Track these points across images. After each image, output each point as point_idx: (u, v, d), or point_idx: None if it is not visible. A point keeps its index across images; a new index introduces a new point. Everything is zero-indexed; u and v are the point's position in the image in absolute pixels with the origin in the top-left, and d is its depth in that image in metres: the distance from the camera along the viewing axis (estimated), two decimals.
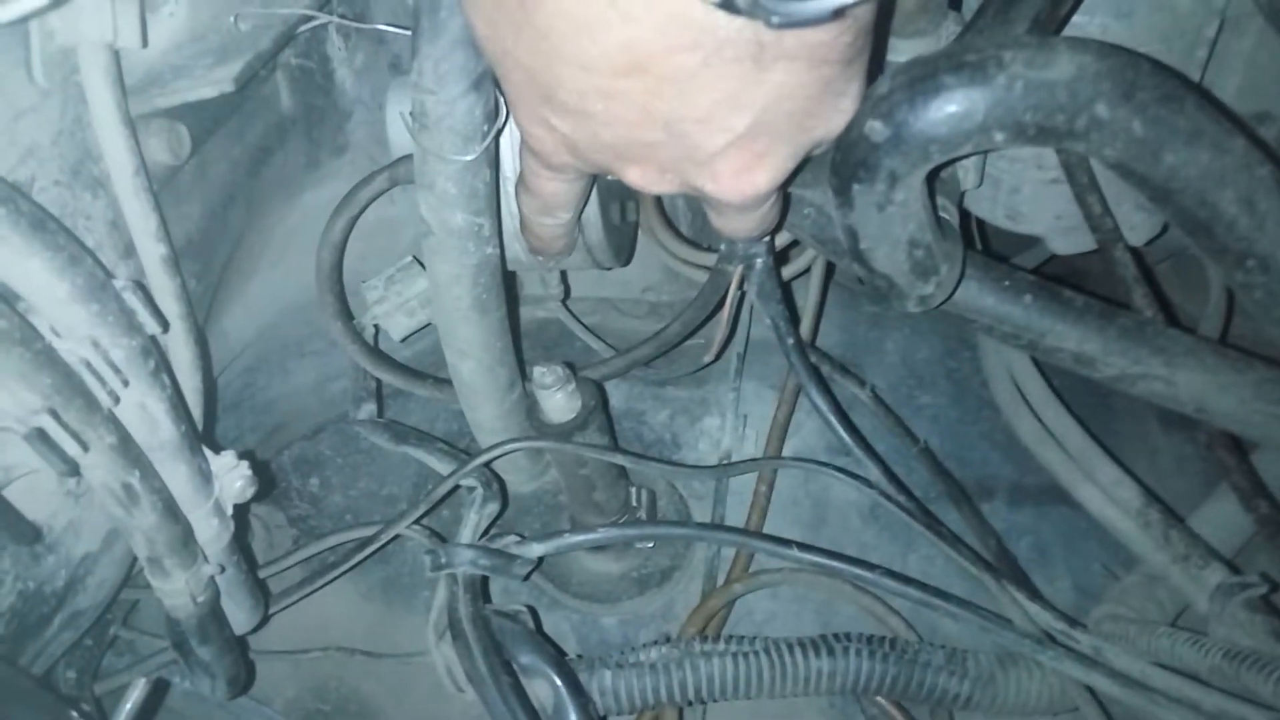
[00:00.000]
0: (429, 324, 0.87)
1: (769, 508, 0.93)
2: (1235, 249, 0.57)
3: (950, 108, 0.50)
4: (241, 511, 0.77)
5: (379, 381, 0.92)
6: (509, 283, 0.76)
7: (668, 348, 0.88)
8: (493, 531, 0.80)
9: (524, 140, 0.56)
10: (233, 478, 0.72)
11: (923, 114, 0.51)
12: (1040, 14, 0.68)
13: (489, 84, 0.60)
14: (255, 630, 0.84)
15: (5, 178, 0.56)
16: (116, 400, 0.60)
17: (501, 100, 0.60)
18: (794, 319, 0.79)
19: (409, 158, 0.76)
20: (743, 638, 0.80)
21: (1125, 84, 0.50)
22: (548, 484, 0.98)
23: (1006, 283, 0.68)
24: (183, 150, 0.71)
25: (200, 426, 0.74)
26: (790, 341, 0.75)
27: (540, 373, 0.77)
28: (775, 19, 0.39)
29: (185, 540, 0.67)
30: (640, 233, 0.96)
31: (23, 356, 0.53)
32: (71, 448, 0.56)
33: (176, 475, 0.67)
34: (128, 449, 0.61)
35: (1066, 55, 0.49)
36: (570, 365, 0.79)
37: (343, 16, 0.84)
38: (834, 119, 0.51)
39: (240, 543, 0.76)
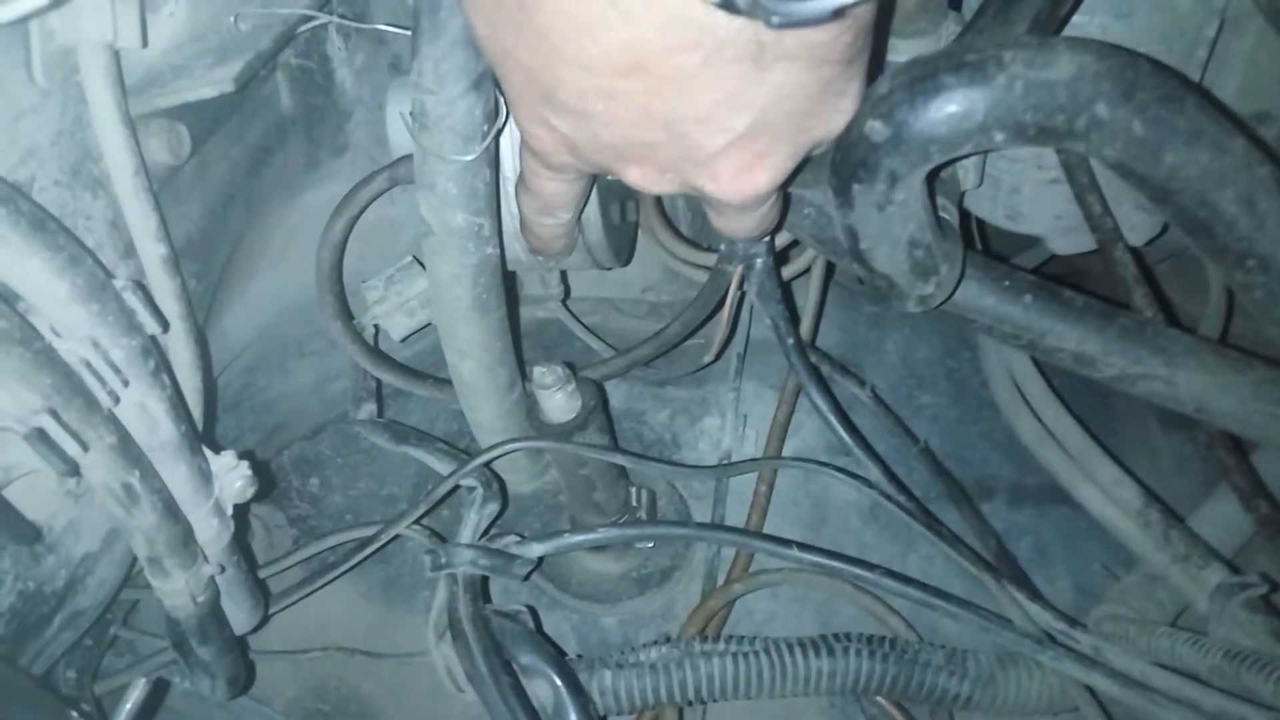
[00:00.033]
0: (429, 324, 0.87)
1: (769, 508, 0.93)
2: (1235, 249, 0.57)
3: (950, 108, 0.50)
4: (241, 511, 0.77)
5: (379, 381, 0.92)
6: (509, 283, 0.76)
7: (668, 348, 0.88)
8: (493, 531, 0.80)
9: (524, 140, 0.56)
10: (233, 478, 0.72)
11: (923, 114, 0.51)
12: (1040, 14, 0.68)
13: (489, 84, 0.60)
14: (255, 630, 0.84)
15: (5, 178, 0.56)
16: (116, 400, 0.60)
17: (501, 100, 0.60)
18: (794, 319, 0.79)
19: (409, 158, 0.76)
20: (743, 638, 0.80)
21: (1125, 84, 0.50)
22: (548, 484, 0.98)
23: (1006, 283, 0.68)
24: (183, 150, 0.71)
25: (200, 426, 0.74)
26: (790, 341, 0.75)
27: (540, 373, 0.77)
28: (775, 19, 0.39)
29: (185, 540, 0.67)
30: (640, 233, 0.96)
31: (23, 356, 0.53)
32: (71, 448, 0.56)
33: (176, 475, 0.67)
34: (128, 449, 0.61)
35: (1066, 55, 0.49)
36: (570, 365, 0.79)
37: (343, 16, 0.84)
38: (834, 119, 0.51)
39: (240, 543, 0.76)
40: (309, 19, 0.77)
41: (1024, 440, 0.95)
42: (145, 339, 0.62)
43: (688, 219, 1.05)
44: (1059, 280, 0.69)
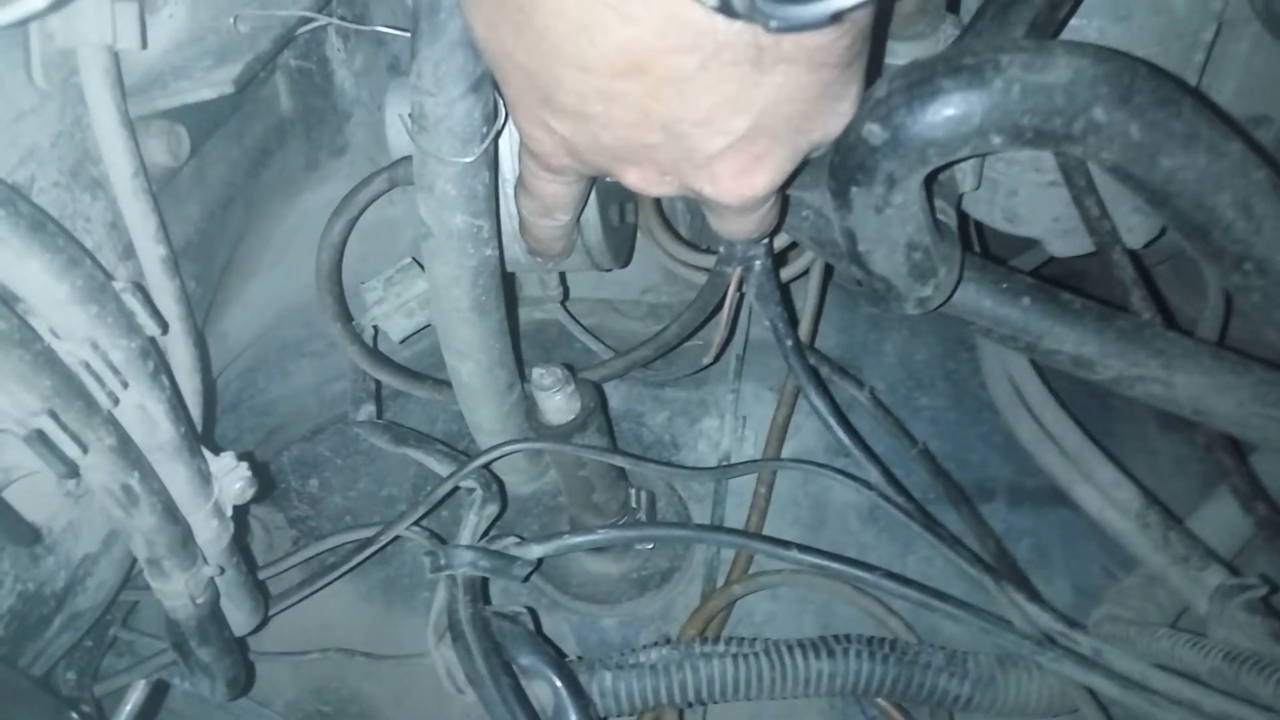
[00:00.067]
0: (428, 325, 0.87)
1: (768, 509, 0.93)
2: (1232, 252, 0.58)
3: (948, 111, 0.50)
4: (241, 513, 0.77)
5: (378, 383, 0.92)
6: (508, 284, 0.76)
7: (667, 349, 0.88)
8: (492, 533, 0.80)
9: (523, 142, 0.56)
10: (232, 479, 0.72)
11: (920, 117, 0.51)
12: (1038, 17, 0.68)
13: (488, 86, 0.60)
14: (255, 632, 0.84)
15: (5, 179, 0.56)
16: (116, 402, 0.60)
17: (500, 102, 0.60)
18: (793, 321, 0.79)
19: (408, 159, 0.76)
20: (742, 639, 0.80)
21: (1122, 88, 0.50)
22: (547, 485, 0.98)
23: (1005, 285, 0.68)
24: (182, 152, 0.72)
25: (199, 428, 0.74)
26: (789, 343, 0.75)
27: (539, 374, 0.77)
28: (773, 23, 0.39)
29: (185, 542, 0.68)
30: (639, 234, 0.96)
31: (22, 358, 0.53)
32: (71, 449, 0.56)
33: (176, 477, 0.67)
34: (127, 450, 0.61)
35: (1064, 59, 0.50)
36: (569, 367, 0.79)
37: (342, 18, 0.84)
38: (832, 122, 0.52)
39: (240, 544, 0.76)
40: (308, 20, 0.77)
41: (1023, 442, 0.95)
42: (144, 340, 0.62)
43: (687, 221, 1.05)
44: (1057, 282, 0.70)
